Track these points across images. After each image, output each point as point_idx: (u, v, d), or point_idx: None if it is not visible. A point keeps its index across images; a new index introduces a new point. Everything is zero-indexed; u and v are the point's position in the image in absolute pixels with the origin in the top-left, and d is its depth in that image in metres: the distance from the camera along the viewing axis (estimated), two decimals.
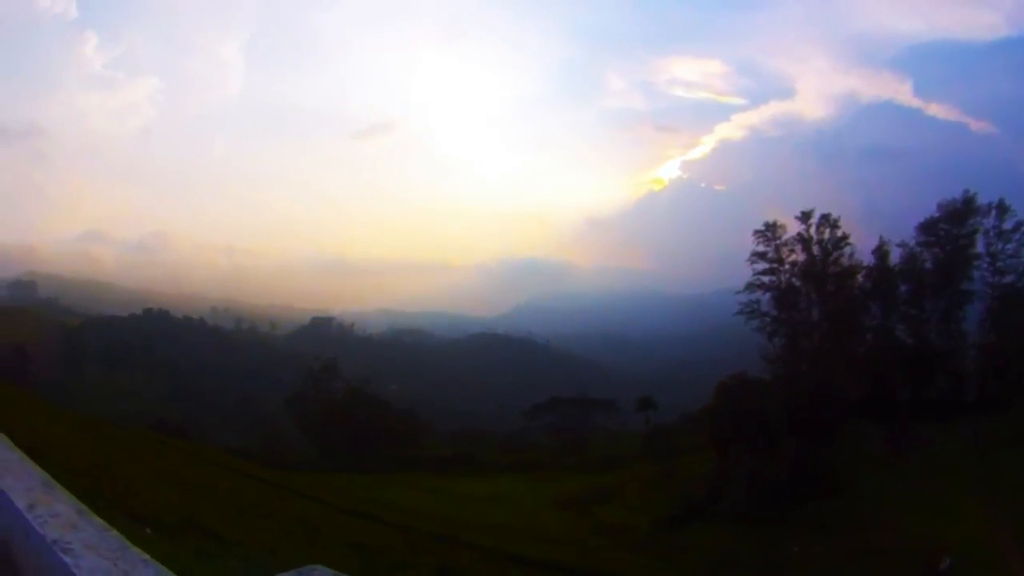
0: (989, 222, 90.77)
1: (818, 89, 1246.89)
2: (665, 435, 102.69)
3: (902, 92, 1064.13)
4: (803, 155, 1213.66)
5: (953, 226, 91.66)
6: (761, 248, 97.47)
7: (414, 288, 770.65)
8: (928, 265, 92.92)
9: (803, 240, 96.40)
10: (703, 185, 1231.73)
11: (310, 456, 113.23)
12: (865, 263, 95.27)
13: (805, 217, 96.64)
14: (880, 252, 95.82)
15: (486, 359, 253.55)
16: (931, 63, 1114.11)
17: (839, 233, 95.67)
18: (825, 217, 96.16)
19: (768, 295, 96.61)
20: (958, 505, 50.54)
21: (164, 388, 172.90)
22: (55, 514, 5.53)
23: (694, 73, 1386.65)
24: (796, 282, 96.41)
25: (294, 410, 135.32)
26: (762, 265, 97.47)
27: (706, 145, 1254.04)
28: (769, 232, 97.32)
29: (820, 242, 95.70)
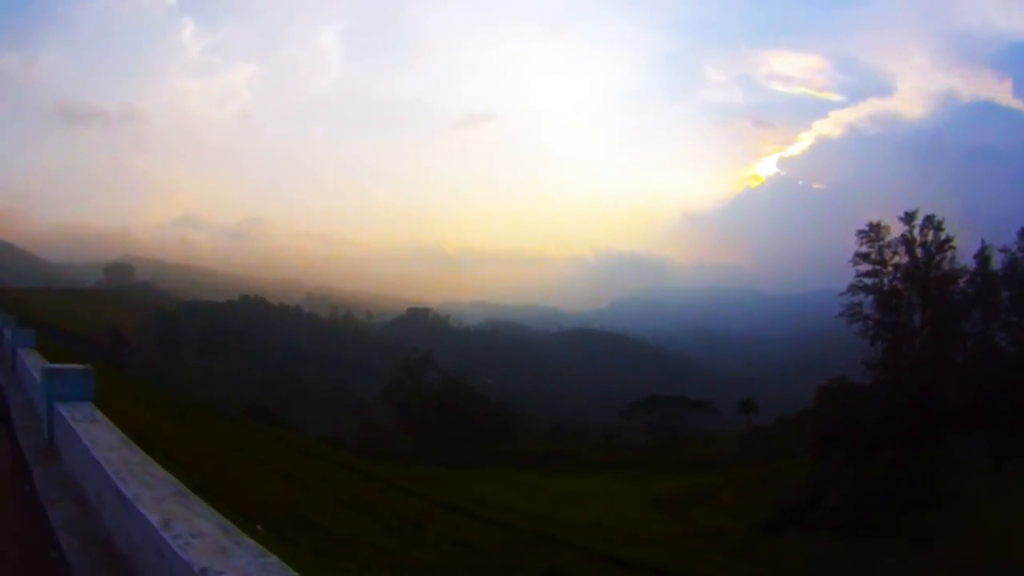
0: None
1: (917, 87, 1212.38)
2: (763, 438, 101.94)
3: (1002, 92, 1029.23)
4: (902, 154, 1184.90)
5: None
6: (864, 249, 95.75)
7: (510, 281, 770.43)
8: None
9: (907, 242, 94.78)
10: (800, 183, 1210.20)
11: (404, 447, 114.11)
12: (966, 267, 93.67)
13: (909, 218, 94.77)
14: (982, 256, 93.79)
15: (582, 355, 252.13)
16: None
17: (943, 236, 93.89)
18: (929, 219, 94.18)
19: (871, 298, 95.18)
20: None
21: (259, 374, 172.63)
22: (198, 533, 4.71)
23: (792, 68, 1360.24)
24: (899, 285, 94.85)
25: (390, 400, 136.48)
26: (865, 267, 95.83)
27: (804, 142, 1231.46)
28: (872, 233, 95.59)
29: (924, 244, 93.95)
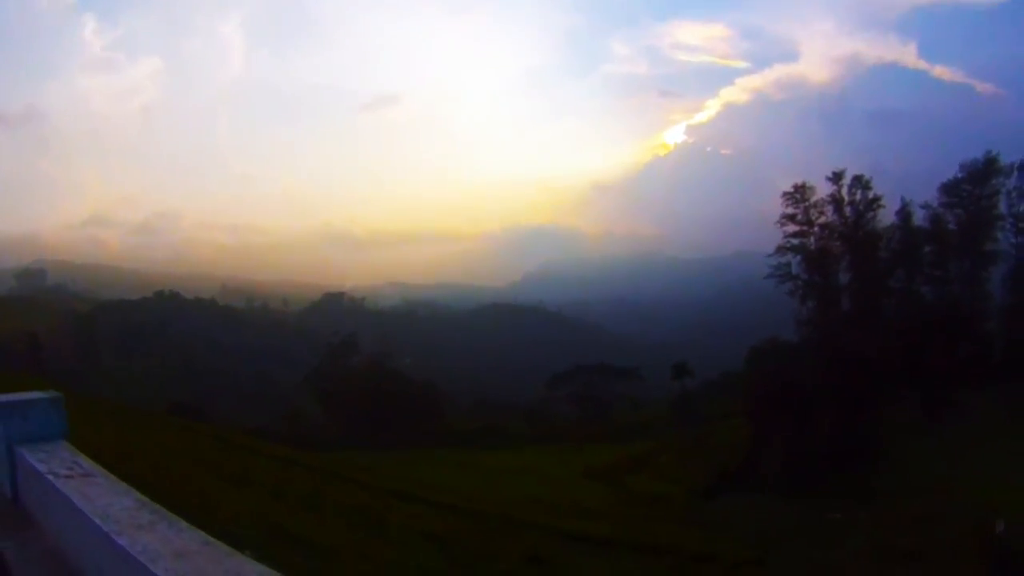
0: (1011, 182, 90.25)
1: (822, 52, 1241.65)
2: (692, 402, 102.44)
3: (907, 54, 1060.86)
4: (809, 118, 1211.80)
5: (975, 187, 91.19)
6: (790, 210, 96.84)
7: (424, 260, 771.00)
8: (952, 226, 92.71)
9: (835, 201, 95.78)
10: (708, 149, 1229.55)
11: (332, 433, 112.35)
12: (893, 225, 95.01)
13: (837, 178, 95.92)
14: (904, 213, 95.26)
15: (499, 329, 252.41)
16: (936, 25, 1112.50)
17: (871, 195, 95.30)
18: (857, 178, 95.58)
19: (799, 258, 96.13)
20: (1002, 470, 50.29)
21: (178, 370, 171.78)
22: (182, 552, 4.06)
23: (697, 38, 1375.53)
24: (827, 244, 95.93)
25: (313, 387, 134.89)
26: (792, 227, 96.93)
27: (711, 109, 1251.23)
28: (798, 194, 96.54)
29: (852, 203, 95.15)
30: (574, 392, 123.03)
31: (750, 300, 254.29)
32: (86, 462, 6.73)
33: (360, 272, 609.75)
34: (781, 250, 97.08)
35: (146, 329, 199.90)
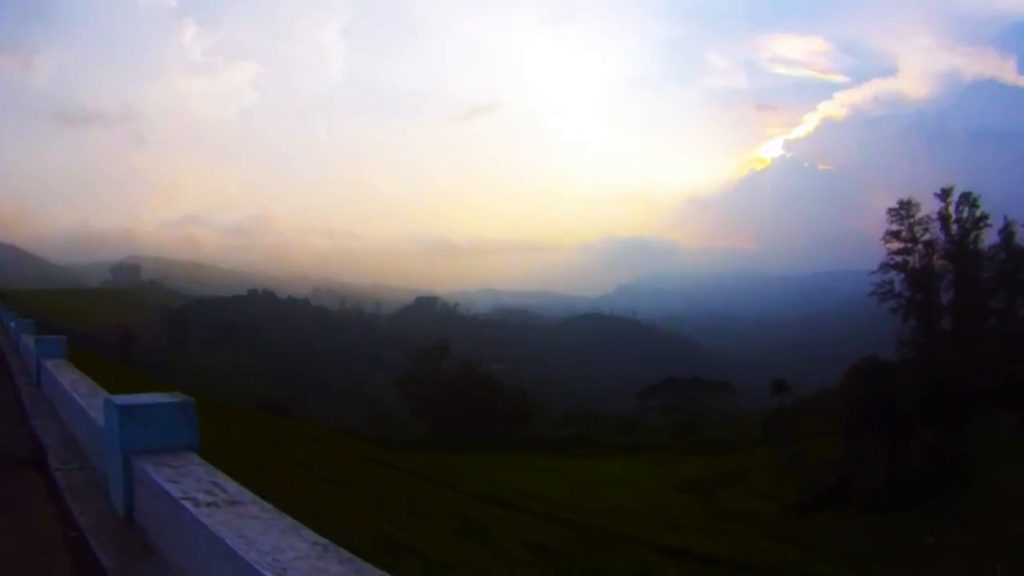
0: None
1: (921, 67, 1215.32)
2: (785, 419, 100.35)
3: (1006, 70, 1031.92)
4: (907, 134, 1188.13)
5: None
6: (895, 227, 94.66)
7: (518, 268, 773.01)
8: None
9: (943, 219, 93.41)
10: (806, 165, 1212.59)
11: (419, 436, 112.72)
12: (998, 245, 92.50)
13: (944, 195, 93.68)
14: (1006, 233, 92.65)
15: (591, 339, 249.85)
16: None
17: (977, 213, 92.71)
18: (965, 196, 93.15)
19: (901, 276, 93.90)
20: None
21: (268, 368, 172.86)
22: None
23: (796, 51, 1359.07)
24: (930, 262, 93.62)
25: (404, 389, 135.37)
26: (896, 244, 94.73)
27: (809, 124, 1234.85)
28: (903, 211, 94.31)
29: (959, 221, 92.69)
30: (666, 404, 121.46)
31: (842, 318, 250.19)
32: (229, 484, 5.35)
33: (453, 278, 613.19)
34: (885, 267, 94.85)
35: (237, 327, 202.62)
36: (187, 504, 4.91)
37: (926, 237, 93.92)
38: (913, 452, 65.69)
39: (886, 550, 48.94)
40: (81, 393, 10.51)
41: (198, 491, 5.15)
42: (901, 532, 53.18)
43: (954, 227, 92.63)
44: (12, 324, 29.97)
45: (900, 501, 59.88)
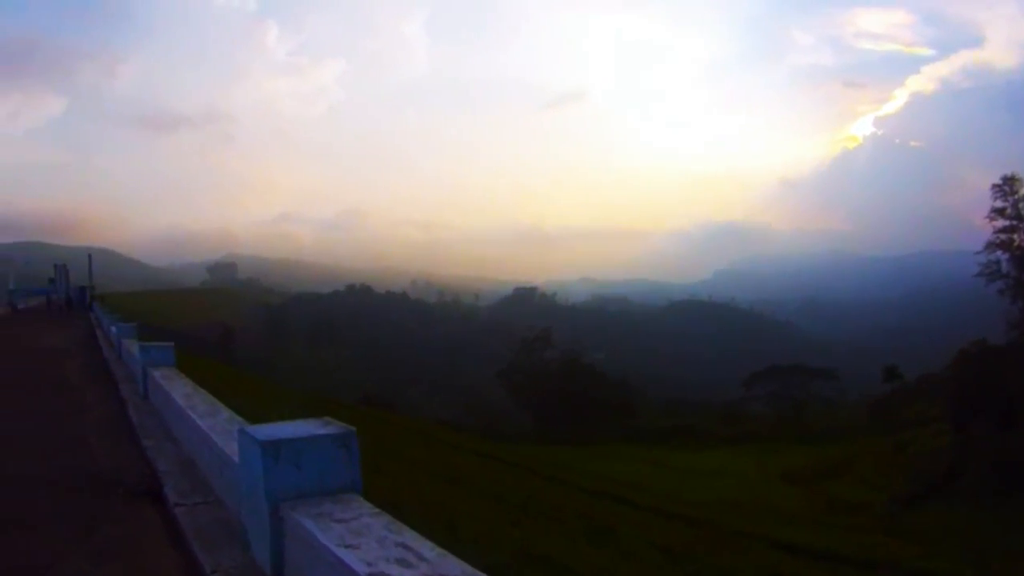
0: None
1: (1007, 36, 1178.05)
2: (892, 406, 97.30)
3: None
4: (997, 107, 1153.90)
5: None
6: (999, 204, 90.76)
7: (614, 256, 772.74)
8: None
9: None
10: (897, 142, 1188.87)
11: (521, 427, 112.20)
12: None
13: None
14: None
15: (690, 326, 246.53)
16: None
17: None
18: None
19: (1007, 255, 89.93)
20: None
21: (368, 362, 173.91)
22: None
23: (880, 24, 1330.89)
24: None
25: (507, 380, 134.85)
26: (1001, 222, 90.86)
27: (898, 100, 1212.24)
28: (1007, 186, 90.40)
29: None
30: (770, 392, 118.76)
31: (943, 300, 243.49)
32: (425, 545, 4.05)
33: (550, 267, 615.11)
34: (990, 247, 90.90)
35: (337, 321, 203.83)
36: (362, 570, 3.82)
37: None
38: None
39: (1003, 543, 46.76)
40: (200, 412, 9.51)
41: (384, 559, 3.90)
42: (1015, 524, 50.78)
43: None
44: (113, 328, 29.68)
45: (1012, 491, 57.26)
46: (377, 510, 4.74)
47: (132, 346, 20.28)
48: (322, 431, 5.37)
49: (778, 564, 30.92)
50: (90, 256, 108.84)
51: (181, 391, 11.53)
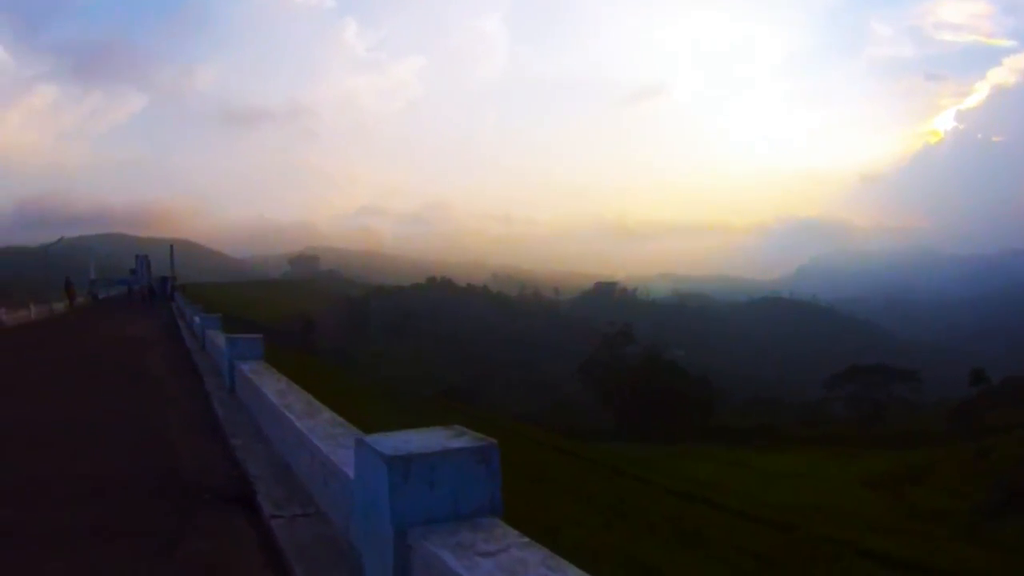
0: None
1: None
2: (975, 410, 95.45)
3: None
4: None
5: None
6: None
7: (694, 252, 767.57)
8: None
9: None
10: (979, 136, 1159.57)
11: (600, 423, 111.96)
12: None
13: None
14: None
15: (771, 324, 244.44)
16: None
17: None
18: None
19: None
20: None
21: (448, 355, 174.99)
22: None
23: (960, 15, 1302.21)
24: None
25: (588, 376, 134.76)
26: None
27: (980, 92, 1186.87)
28: None
29: None
30: (850, 392, 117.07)
31: None
32: None
33: (631, 263, 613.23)
34: None
35: (417, 314, 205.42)
36: None
37: None
38: None
39: None
40: (297, 411, 8.43)
41: None
42: None
43: None
44: (196, 319, 29.84)
45: None
46: (527, 539, 3.56)
47: (217, 337, 20.18)
48: (457, 443, 4.33)
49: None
50: (172, 247, 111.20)
51: (273, 387, 10.65)
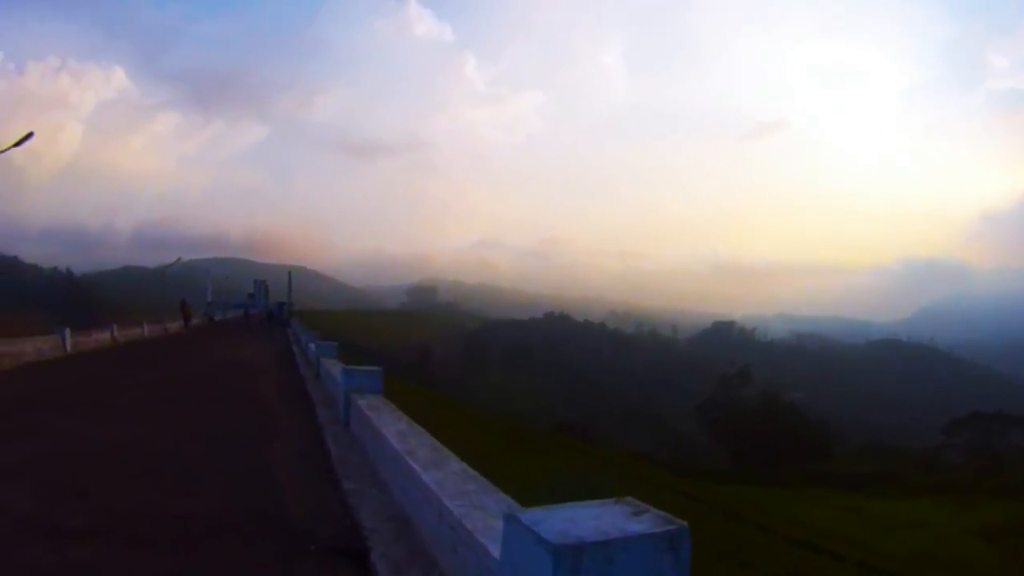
0: None
1: None
2: None
3: None
4: None
5: None
6: None
7: (811, 291, 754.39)
8: None
9: None
10: None
11: (716, 464, 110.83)
12: None
13: None
14: None
15: (888, 367, 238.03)
16: None
17: None
18: None
19: None
20: None
21: (563, 389, 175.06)
22: None
23: None
24: None
25: (704, 415, 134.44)
26: None
27: None
28: None
29: None
30: (969, 440, 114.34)
31: None
32: None
33: (748, 301, 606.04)
34: None
35: (534, 347, 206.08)
36: None
37: None
38: None
39: None
40: (421, 460, 7.49)
41: None
42: None
43: None
44: (312, 346, 28.67)
45: None
46: None
47: (333, 367, 19.28)
48: (638, 526, 3.65)
49: None
50: (290, 273, 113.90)
51: (393, 427, 9.69)
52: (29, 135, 36.29)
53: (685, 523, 3.70)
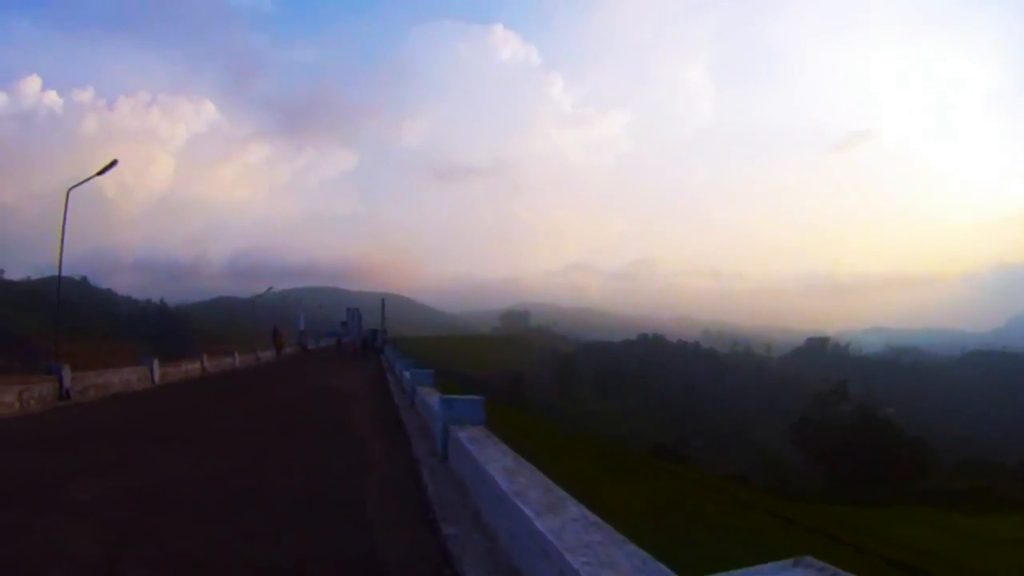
0: None
1: None
2: None
3: None
4: None
5: None
6: None
7: (904, 304, 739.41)
8: None
9: None
10: None
11: (811, 484, 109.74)
12: None
13: None
14: None
15: (984, 379, 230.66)
16: None
17: None
18: None
19: None
20: None
21: (657, 411, 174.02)
22: None
23: None
24: None
25: (799, 434, 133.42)
26: None
27: None
28: None
29: None
30: None
31: None
32: None
33: (842, 316, 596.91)
34: None
35: (627, 370, 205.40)
36: None
37: None
38: None
39: None
40: (533, 503, 6.28)
41: None
42: None
43: None
44: (407, 373, 27.20)
45: None
46: None
47: (429, 395, 18.52)
48: None
49: None
50: (383, 300, 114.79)
51: (499, 464, 8.41)
52: (113, 163, 36.75)
53: None
